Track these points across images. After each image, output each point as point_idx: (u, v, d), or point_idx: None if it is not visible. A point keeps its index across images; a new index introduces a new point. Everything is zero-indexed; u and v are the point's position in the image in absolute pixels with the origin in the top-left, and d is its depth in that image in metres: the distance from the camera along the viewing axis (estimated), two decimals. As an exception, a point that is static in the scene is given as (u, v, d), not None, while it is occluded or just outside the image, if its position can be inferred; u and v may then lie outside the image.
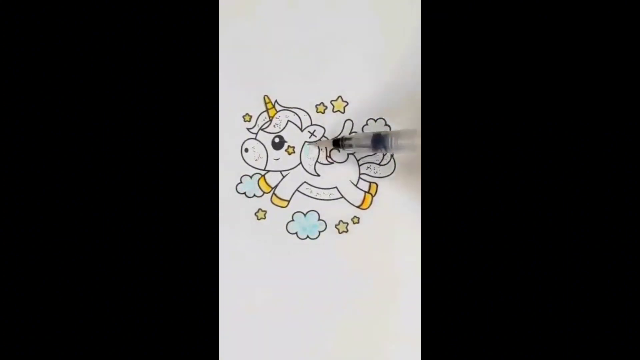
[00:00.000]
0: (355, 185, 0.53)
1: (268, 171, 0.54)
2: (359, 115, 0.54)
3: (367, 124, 0.53)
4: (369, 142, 0.49)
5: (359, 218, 0.53)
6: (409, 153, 0.48)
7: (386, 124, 0.53)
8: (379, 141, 0.48)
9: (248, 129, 0.54)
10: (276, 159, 0.54)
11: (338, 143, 0.51)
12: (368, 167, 0.53)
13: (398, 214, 0.53)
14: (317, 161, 0.54)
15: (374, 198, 0.53)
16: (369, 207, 0.53)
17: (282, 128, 0.54)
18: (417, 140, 0.45)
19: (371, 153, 0.52)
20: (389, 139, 0.48)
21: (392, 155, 0.53)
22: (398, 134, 0.48)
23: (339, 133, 0.54)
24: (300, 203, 0.53)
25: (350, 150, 0.53)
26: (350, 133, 0.53)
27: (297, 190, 0.53)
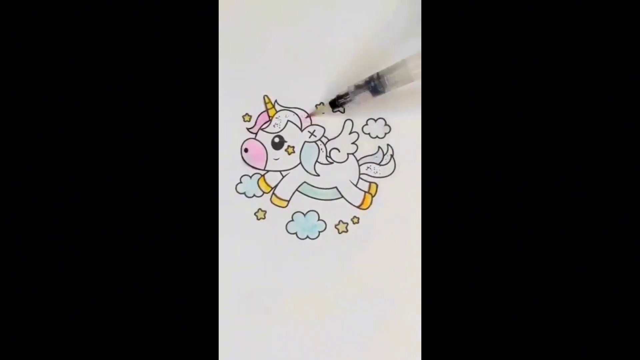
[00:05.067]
0: (355, 185, 0.53)
1: (268, 171, 0.54)
2: (359, 116, 0.53)
3: (367, 124, 0.53)
4: (367, 91, 0.50)
5: (358, 218, 0.53)
6: (408, 84, 0.49)
7: (386, 124, 0.53)
8: (375, 86, 0.49)
9: (248, 129, 0.54)
10: (276, 159, 0.54)
11: (335, 104, 0.52)
12: (368, 167, 0.53)
13: (398, 214, 0.53)
14: (317, 161, 0.54)
15: (374, 198, 0.53)
16: (368, 207, 0.53)
17: (281, 128, 0.54)
18: (414, 69, 0.47)
19: (370, 96, 0.51)
20: (384, 79, 0.49)
21: (391, 156, 0.53)
22: (390, 70, 0.49)
23: (338, 133, 0.54)
24: (300, 203, 0.53)
25: (352, 106, 0.52)
26: (342, 97, 0.52)
27: (297, 190, 0.53)
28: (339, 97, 0.52)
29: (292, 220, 0.53)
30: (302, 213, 0.53)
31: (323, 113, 0.53)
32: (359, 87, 0.50)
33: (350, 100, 0.51)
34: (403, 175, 0.53)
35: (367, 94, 0.50)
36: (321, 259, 0.53)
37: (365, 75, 0.51)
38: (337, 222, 0.53)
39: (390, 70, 0.49)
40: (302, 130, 0.54)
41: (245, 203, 0.53)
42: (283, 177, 0.54)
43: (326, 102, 0.53)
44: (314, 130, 0.54)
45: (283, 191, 0.53)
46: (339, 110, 0.53)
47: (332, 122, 0.54)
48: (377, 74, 0.49)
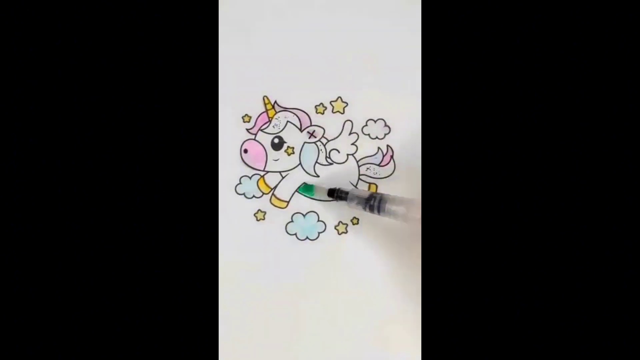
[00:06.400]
0: (355, 186, 0.53)
1: (267, 172, 0.54)
2: (359, 116, 0.54)
3: (366, 125, 0.53)
4: (362, 200, 0.48)
5: (358, 219, 0.53)
6: (402, 222, 0.46)
7: (385, 125, 0.53)
8: (372, 206, 0.47)
9: (247, 130, 0.54)
10: (275, 160, 0.54)
11: (333, 193, 0.51)
12: (368, 168, 0.53)
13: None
14: (316, 162, 0.54)
15: (374, 199, 0.53)
16: (368, 208, 0.53)
17: (281, 129, 0.54)
18: (415, 212, 0.43)
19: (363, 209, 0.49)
20: (383, 204, 0.46)
21: (391, 157, 0.53)
22: (393, 200, 0.46)
23: (338, 134, 0.54)
24: (299, 204, 0.53)
25: (343, 203, 0.51)
26: (342, 193, 0.51)
27: (296, 191, 0.53)
28: (340, 191, 0.50)
29: (292, 221, 0.53)
30: (302, 214, 0.53)
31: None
32: (358, 197, 0.48)
33: (345, 200, 0.50)
34: (403, 176, 0.53)
35: (361, 204, 0.48)
36: (321, 259, 0.53)
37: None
38: (336, 223, 0.53)
39: (394, 201, 0.46)
40: (301, 131, 0.54)
41: (245, 204, 0.53)
42: (283, 177, 0.54)
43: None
44: (314, 131, 0.54)
45: (283, 192, 0.54)
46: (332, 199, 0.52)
47: (332, 123, 0.54)
48: (382, 196, 0.47)
